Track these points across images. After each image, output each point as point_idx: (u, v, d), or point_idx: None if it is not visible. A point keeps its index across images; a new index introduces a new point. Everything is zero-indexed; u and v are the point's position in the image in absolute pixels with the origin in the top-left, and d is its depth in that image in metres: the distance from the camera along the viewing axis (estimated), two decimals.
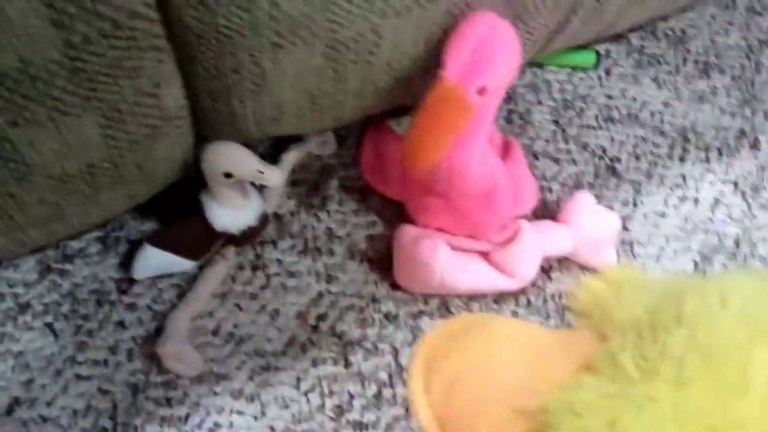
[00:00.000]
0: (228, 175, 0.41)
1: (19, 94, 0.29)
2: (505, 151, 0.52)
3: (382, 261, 0.51)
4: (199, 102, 0.38)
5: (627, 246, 0.53)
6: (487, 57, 0.38)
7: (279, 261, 0.50)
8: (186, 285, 0.49)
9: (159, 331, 0.47)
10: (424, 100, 0.41)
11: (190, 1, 0.31)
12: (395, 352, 0.47)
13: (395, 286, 0.50)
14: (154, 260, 0.47)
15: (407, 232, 0.49)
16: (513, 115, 0.58)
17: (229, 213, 0.45)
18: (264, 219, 0.47)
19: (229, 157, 0.41)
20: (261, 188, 0.47)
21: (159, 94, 0.34)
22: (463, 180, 0.45)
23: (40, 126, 0.31)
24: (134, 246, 0.50)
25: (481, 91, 0.39)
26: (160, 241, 0.46)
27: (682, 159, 0.58)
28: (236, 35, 0.33)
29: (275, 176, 0.41)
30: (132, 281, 0.49)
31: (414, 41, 0.40)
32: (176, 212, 0.46)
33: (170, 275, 0.49)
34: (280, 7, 0.33)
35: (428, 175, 0.45)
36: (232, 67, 0.35)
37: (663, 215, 0.55)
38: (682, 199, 0.56)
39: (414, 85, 0.44)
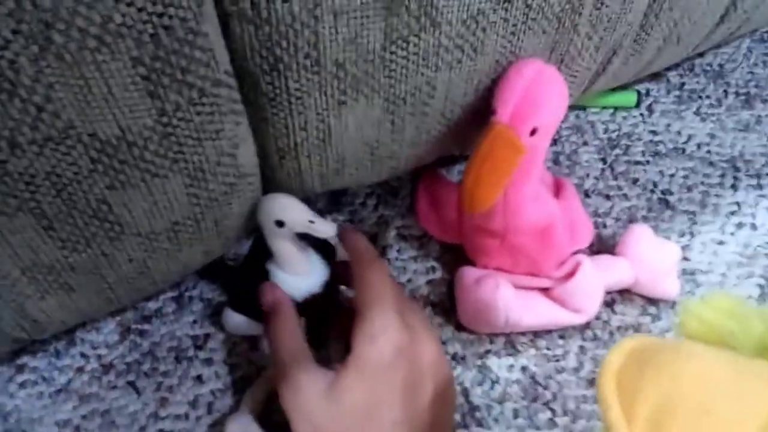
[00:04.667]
0: (280, 224, 0.42)
1: (117, 159, 0.32)
2: (558, 190, 0.53)
3: (444, 304, 0.52)
4: (269, 159, 0.41)
5: (689, 275, 0.53)
6: (537, 100, 0.40)
7: None
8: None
9: (235, 384, 0.49)
10: (477, 145, 0.43)
11: (265, 68, 0.34)
12: (466, 393, 0.48)
13: (460, 328, 0.51)
14: (236, 322, 0.49)
15: (468, 273, 0.50)
16: (560, 157, 0.60)
17: (290, 279, 0.45)
18: (329, 286, 0.46)
19: (281, 204, 0.42)
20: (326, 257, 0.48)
21: (236, 154, 0.37)
22: (519, 219, 0.46)
23: (133, 188, 0.34)
24: (207, 304, 0.52)
25: (533, 132, 0.41)
26: (239, 305, 0.48)
27: (734, 187, 0.58)
28: (305, 96, 0.36)
29: (326, 228, 0.41)
30: (207, 337, 0.51)
31: (465, 91, 0.42)
32: (253, 280, 0.47)
33: None
34: (345, 67, 0.36)
35: (484, 217, 0.47)
36: (300, 126, 0.38)
37: (721, 243, 0.55)
38: (739, 225, 0.56)
39: (464, 133, 0.47)
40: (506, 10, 0.38)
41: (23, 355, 0.50)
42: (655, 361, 0.29)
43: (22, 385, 0.49)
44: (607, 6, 0.42)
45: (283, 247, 0.43)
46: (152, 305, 0.53)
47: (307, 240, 0.47)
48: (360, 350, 0.39)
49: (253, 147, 0.39)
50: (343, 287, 0.49)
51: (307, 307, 0.45)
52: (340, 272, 0.47)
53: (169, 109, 0.32)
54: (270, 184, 0.43)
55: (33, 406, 0.48)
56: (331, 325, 0.47)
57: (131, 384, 0.49)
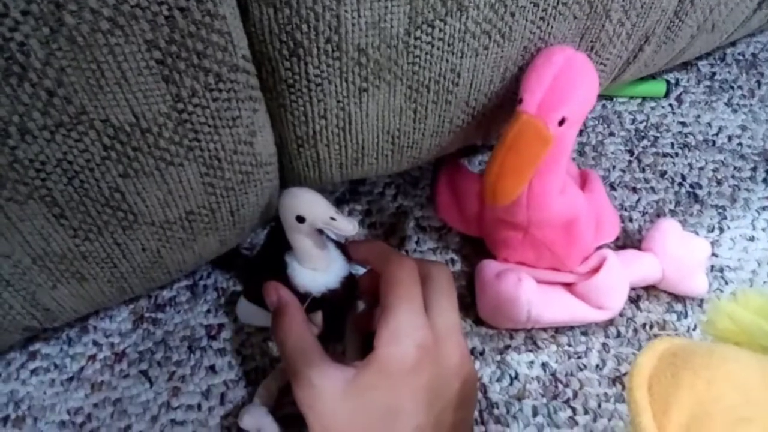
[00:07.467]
0: (301, 219, 0.40)
1: (130, 146, 0.31)
2: (583, 182, 0.52)
3: (463, 297, 0.51)
4: (287, 148, 0.40)
5: (717, 272, 0.51)
6: (566, 88, 0.39)
7: None
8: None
9: (248, 375, 0.48)
10: (502, 135, 0.41)
11: (284, 53, 0.33)
12: (484, 389, 0.47)
13: (479, 322, 0.50)
14: (249, 312, 0.48)
15: (489, 267, 0.49)
16: (586, 148, 0.58)
17: (308, 274, 0.43)
18: (348, 283, 0.45)
19: (303, 200, 0.40)
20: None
21: (253, 142, 0.36)
22: (543, 212, 0.45)
23: (147, 176, 0.33)
24: (222, 294, 0.51)
25: (561, 122, 0.39)
26: (254, 296, 0.47)
27: (765, 181, 0.56)
28: (325, 82, 0.35)
29: (348, 225, 0.39)
30: (221, 327, 0.50)
31: (491, 78, 0.40)
32: (269, 270, 0.45)
33: None
34: (367, 53, 0.34)
35: (507, 210, 0.45)
36: (320, 113, 0.37)
37: (752, 239, 0.53)
38: None
39: (488, 122, 0.45)
40: None
41: (35, 342, 0.50)
42: (690, 365, 0.28)
43: (33, 372, 0.48)
44: None
45: (303, 242, 0.42)
46: (166, 294, 0.52)
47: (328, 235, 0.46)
48: (383, 349, 0.37)
49: (270, 135, 0.37)
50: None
51: (323, 302, 0.43)
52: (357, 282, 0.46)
53: (185, 95, 0.30)
54: (287, 173, 0.42)
55: (44, 393, 0.47)
56: (348, 323, 0.46)
57: (143, 373, 0.48)
